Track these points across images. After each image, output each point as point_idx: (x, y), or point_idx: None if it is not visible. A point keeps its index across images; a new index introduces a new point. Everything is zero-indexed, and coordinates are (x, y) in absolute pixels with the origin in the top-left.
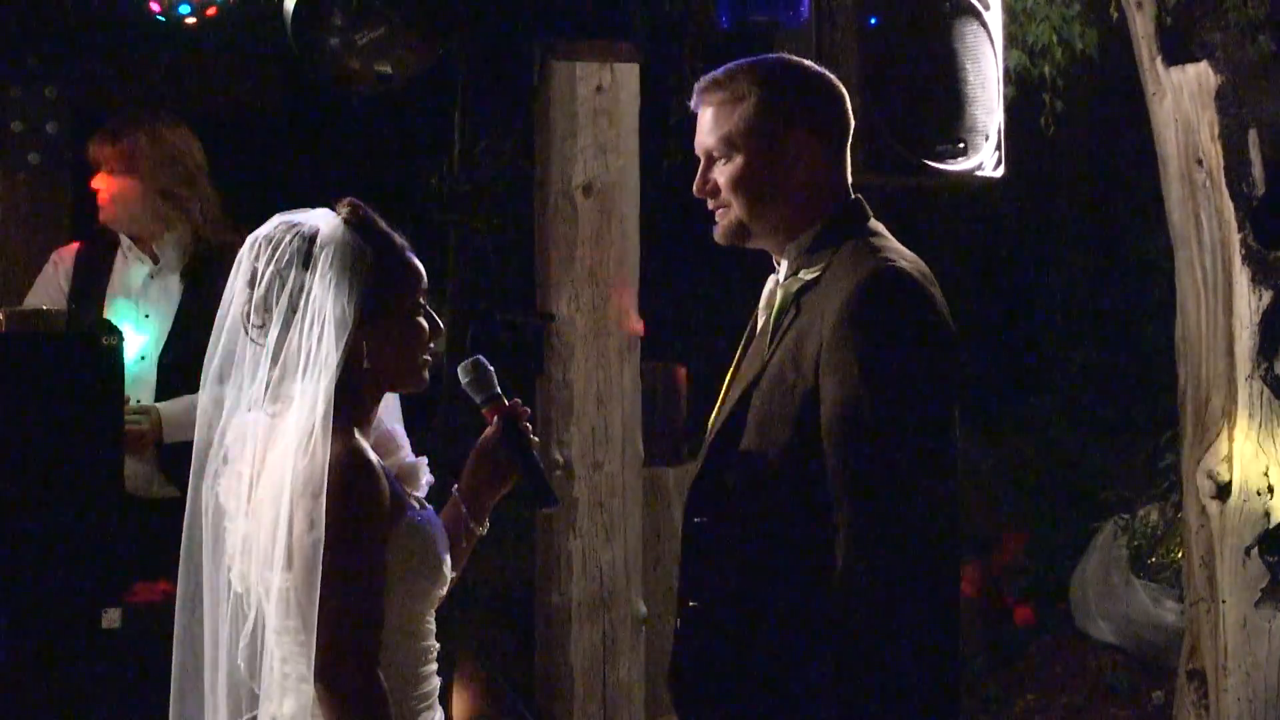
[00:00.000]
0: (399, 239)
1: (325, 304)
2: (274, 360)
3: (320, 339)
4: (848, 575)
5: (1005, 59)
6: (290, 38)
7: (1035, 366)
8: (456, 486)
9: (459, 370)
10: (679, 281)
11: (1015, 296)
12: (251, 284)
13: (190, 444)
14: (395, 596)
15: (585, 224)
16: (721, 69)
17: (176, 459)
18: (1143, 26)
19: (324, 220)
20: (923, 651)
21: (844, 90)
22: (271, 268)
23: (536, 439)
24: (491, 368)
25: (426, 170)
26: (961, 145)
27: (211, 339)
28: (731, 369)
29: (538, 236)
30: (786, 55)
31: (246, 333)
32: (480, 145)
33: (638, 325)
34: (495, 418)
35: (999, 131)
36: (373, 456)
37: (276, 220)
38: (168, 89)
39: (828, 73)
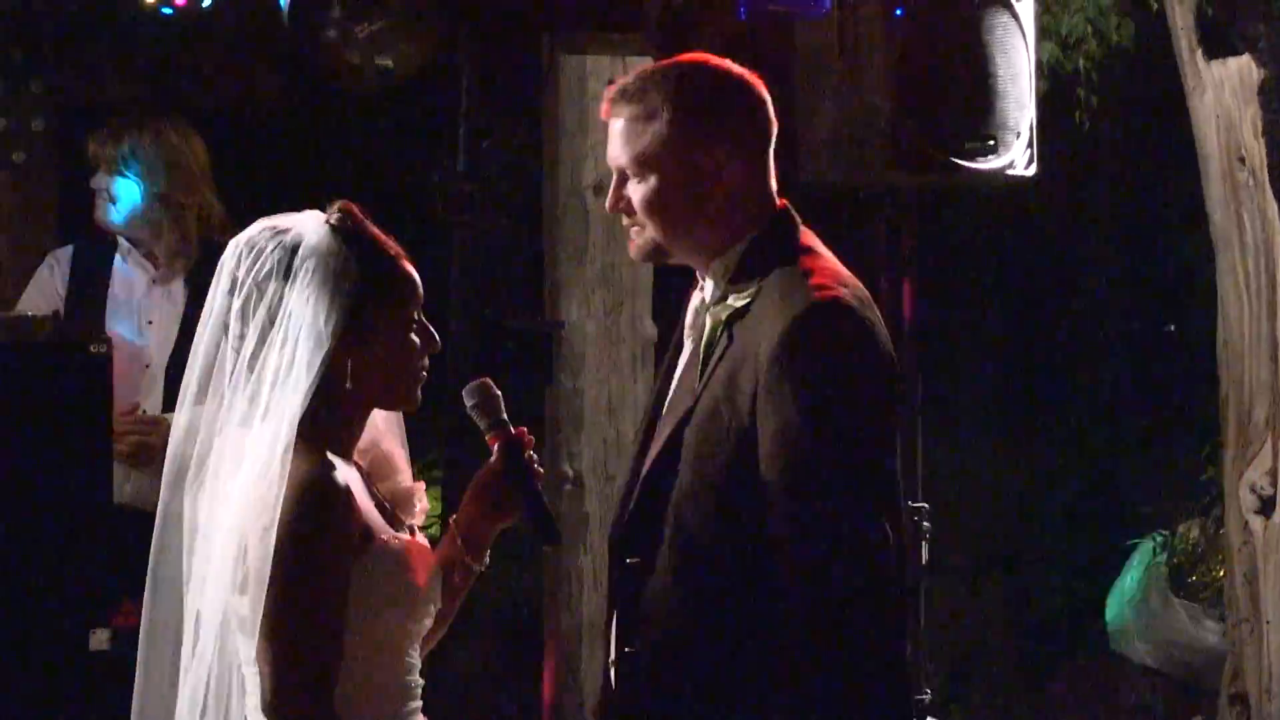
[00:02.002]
0: (392, 248)
1: (301, 321)
2: (249, 373)
3: (293, 359)
4: (790, 621)
5: (1037, 51)
6: (287, 30)
7: (1068, 374)
8: (454, 518)
9: (464, 393)
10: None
11: (1047, 301)
12: (232, 292)
13: None
14: (363, 628)
15: (596, 225)
16: (632, 76)
17: None
18: (1182, 18)
19: (311, 227)
20: (870, 690)
21: (764, 93)
22: (250, 278)
23: (541, 470)
24: (499, 392)
25: (429, 169)
26: (991, 142)
27: (192, 348)
28: (654, 394)
29: (546, 238)
30: (702, 59)
31: (229, 343)
32: (485, 143)
33: (651, 331)
34: (497, 446)
35: (1031, 128)
36: (339, 480)
37: (260, 225)
38: (158, 84)
39: (746, 75)
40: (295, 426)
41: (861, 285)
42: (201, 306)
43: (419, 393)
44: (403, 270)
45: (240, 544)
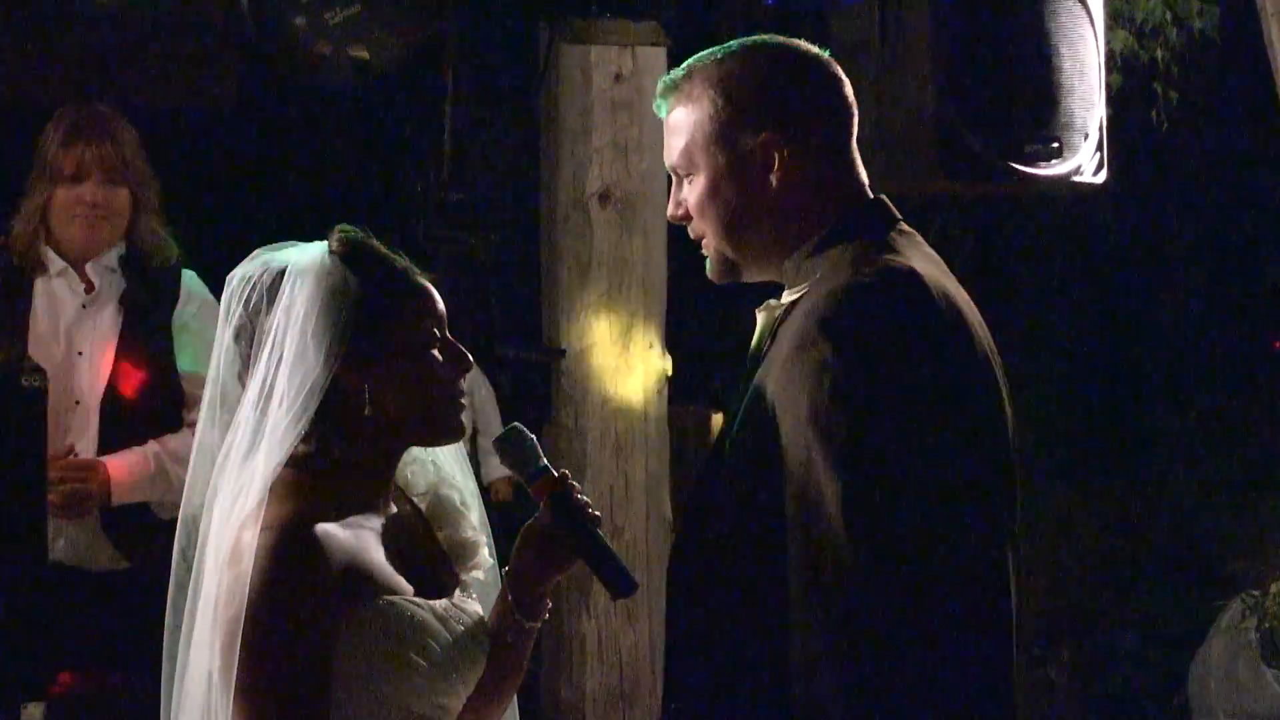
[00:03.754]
0: (400, 262)
1: (285, 347)
2: (244, 412)
3: (273, 388)
4: (809, 688)
5: (1108, 41)
6: (246, 17)
7: (1145, 412)
8: (505, 571)
9: (494, 445)
10: (714, 308)
11: (1120, 328)
12: (228, 325)
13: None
14: (358, 701)
15: (602, 239)
16: (683, 65)
17: (125, 524)
18: (1272, 3)
19: (306, 253)
20: None
21: (836, 72)
22: (241, 309)
23: (599, 513)
24: (532, 435)
25: (411, 176)
26: (1055, 145)
27: (208, 382)
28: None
29: (544, 255)
30: (763, 39)
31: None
32: (476, 146)
33: (664, 362)
34: (544, 498)
35: (1100, 129)
36: (315, 529)
37: (252, 258)
38: (96, 80)
39: (813, 52)
40: (279, 463)
41: (962, 291)
42: (138, 334)
43: (459, 420)
44: (415, 283)
45: (219, 590)
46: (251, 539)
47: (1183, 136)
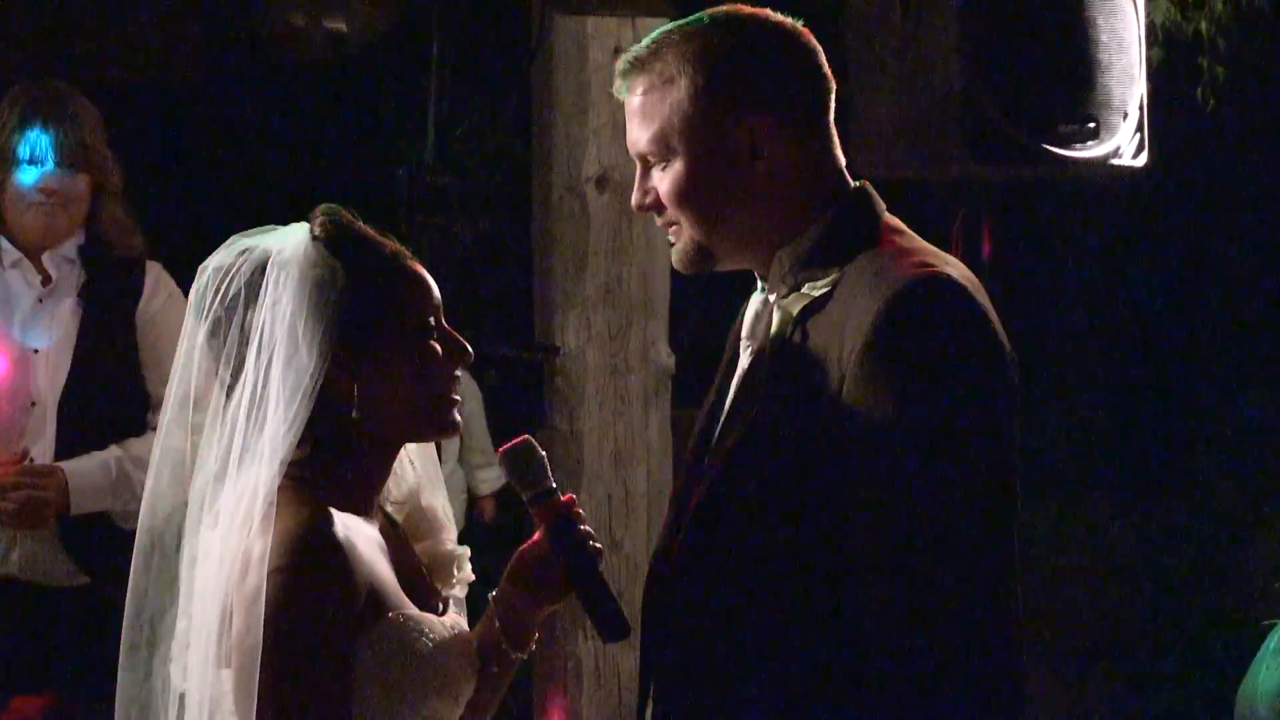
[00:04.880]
0: (390, 246)
1: (274, 346)
2: (224, 414)
3: (265, 392)
4: (881, 684)
5: (1149, 13)
6: None
7: (1187, 416)
8: (493, 596)
9: (500, 457)
10: (721, 302)
11: (1163, 323)
12: (201, 321)
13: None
14: (371, 716)
15: (599, 227)
16: (646, 40)
17: (85, 536)
18: None
19: (289, 240)
20: None
21: (814, 44)
22: (217, 303)
23: (600, 546)
24: (543, 453)
25: (393, 158)
26: (1092, 126)
27: (167, 387)
28: (704, 416)
29: (537, 244)
30: (732, 9)
31: (206, 379)
32: (463, 126)
33: (667, 360)
34: (546, 525)
35: (1140, 108)
36: (337, 534)
37: (231, 242)
38: (52, 55)
39: (788, 23)
40: (278, 471)
41: (973, 274)
42: (98, 329)
43: (454, 414)
44: (407, 269)
45: (223, 610)
46: (264, 551)
47: (1230, 115)
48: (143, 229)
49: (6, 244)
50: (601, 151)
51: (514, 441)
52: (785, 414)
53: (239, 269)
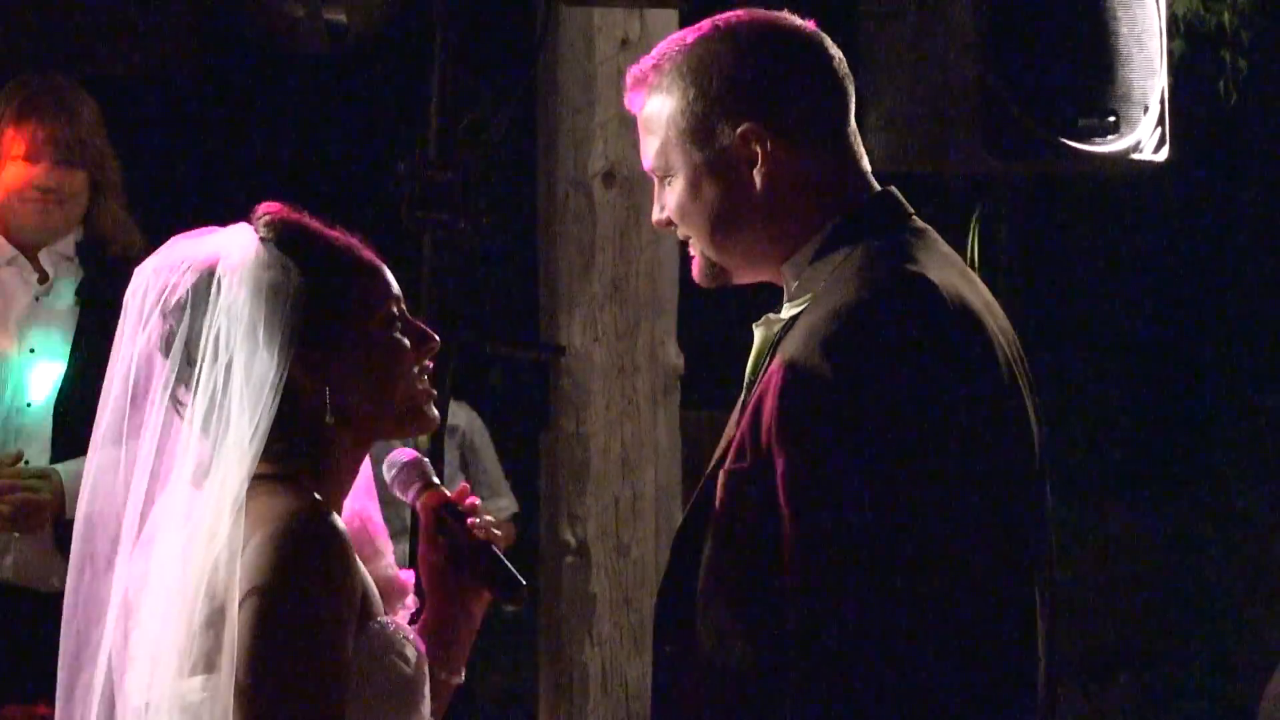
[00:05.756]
0: (341, 239)
1: (229, 356)
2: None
3: (225, 404)
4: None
5: (1170, 4)
6: None
7: (1209, 417)
8: (419, 624)
9: (385, 465)
10: (731, 301)
11: (1184, 318)
12: (141, 329)
13: None
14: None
15: (606, 224)
16: (654, 51)
17: None
18: None
19: (235, 242)
20: None
21: (825, 46)
22: (158, 311)
23: (499, 533)
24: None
25: (394, 153)
26: (1111, 119)
27: (101, 396)
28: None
29: (542, 241)
30: (740, 15)
31: (144, 389)
32: (466, 120)
33: (676, 360)
34: (427, 511)
35: (1161, 101)
36: (338, 524)
37: (171, 246)
38: (39, 48)
39: (795, 25)
40: (245, 477)
41: (985, 292)
42: (97, 328)
43: (431, 408)
44: (363, 261)
45: (189, 616)
46: (261, 545)
47: (1253, 109)
48: (141, 226)
49: (2, 241)
50: (608, 146)
51: (406, 458)
52: (740, 448)
53: (183, 273)
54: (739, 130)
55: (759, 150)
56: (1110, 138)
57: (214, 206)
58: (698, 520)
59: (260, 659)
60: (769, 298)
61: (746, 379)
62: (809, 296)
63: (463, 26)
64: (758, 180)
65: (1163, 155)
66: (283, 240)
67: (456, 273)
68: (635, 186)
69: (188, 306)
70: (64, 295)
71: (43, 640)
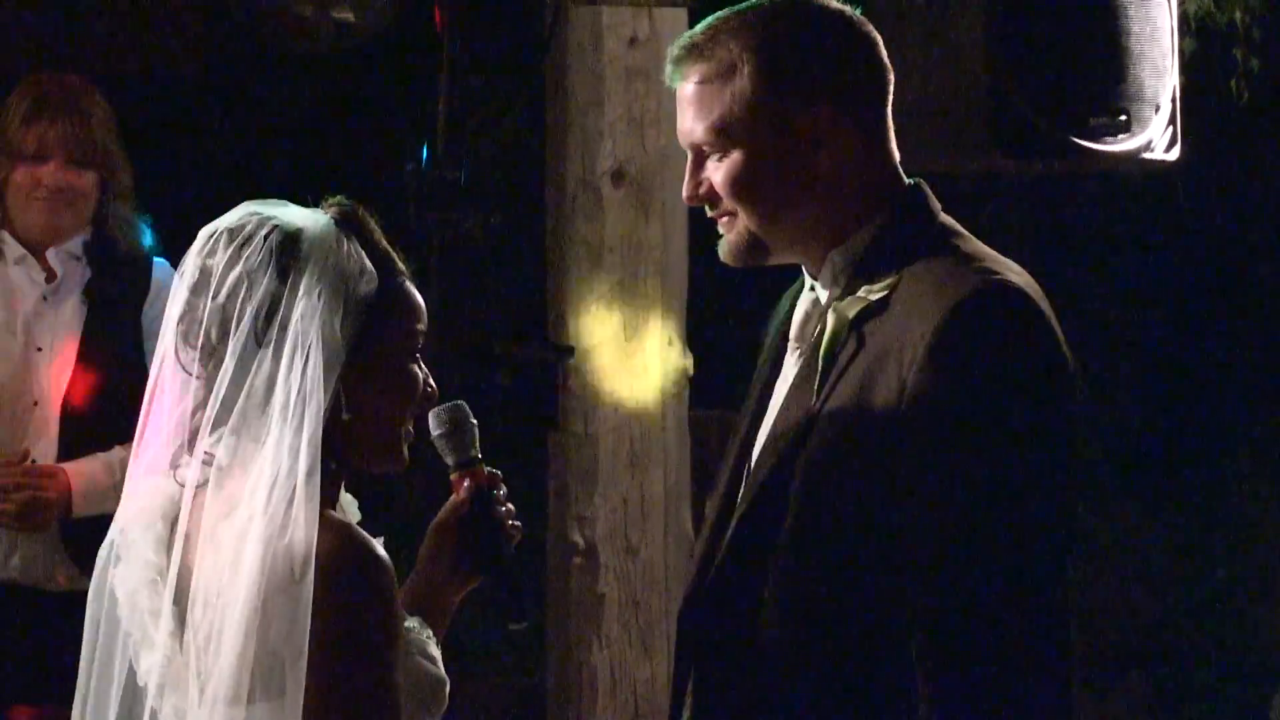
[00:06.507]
0: (400, 261)
1: (311, 326)
2: (219, 400)
3: (304, 372)
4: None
5: (1182, 2)
6: None
7: (1222, 420)
8: (411, 577)
9: (431, 417)
10: (741, 300)
11: (1194, 321)
12: (202, 290)
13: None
14: None
15: (615, 223)
16: (702, 26)
17: (87, 539)
18: None
19: (309, 218)
20: None
21: (873, 33)
22: (239, 268)
23: (519, 525)
24: (474, 420)
25: (401, 153)
26: (1123, 119)
27: (151, 374)
28: (746, 422)
29: (550, 241)
30: None
31: (176, 358)
32: (474, 119)
33: (685, 360)
34: (466, 487)
35: (1173, 100)
36: (380, 549)
37: (244, 210)
38: (50, 48)
39: (849, 12)
40: (318, 456)
41: (1034, 280)
42: (104, 328)
43: (406, 450)
44: (411, 289)
45: (245, 635)
46: (307, 560)
47: (1265, 108)
48: (149, 225)
49: (10, 240)
50: (617, 145)
51: (447, 404)
52: (841, 420)
53: (263, 235)
54: (813, 113)
55: (825, 131)
56: (1121, 137)
57: (221, 205)
58: (770, 503)
59: (330, 677)
60: (778, 297)
61: (795, 356)
62: (886, 284)
63: (470, 25)
64: (823, 162)
65: (1174, 154)
66: (361, 236)
67: (465, 272)
68: (644, 185)
69: (268, 269)
70: (71, 295)
71: (48, 641)
